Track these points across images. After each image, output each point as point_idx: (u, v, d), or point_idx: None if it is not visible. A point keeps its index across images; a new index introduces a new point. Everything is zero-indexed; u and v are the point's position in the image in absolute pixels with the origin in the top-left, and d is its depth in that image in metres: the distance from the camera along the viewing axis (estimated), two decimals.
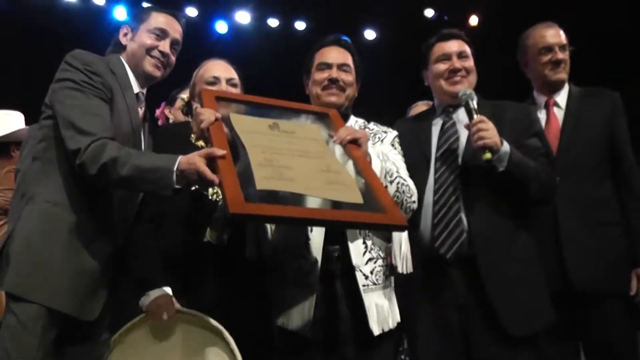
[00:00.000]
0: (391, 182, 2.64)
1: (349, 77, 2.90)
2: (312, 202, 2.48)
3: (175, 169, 2.28)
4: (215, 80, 2.89)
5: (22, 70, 6.32)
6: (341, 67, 2.88)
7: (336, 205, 2.42)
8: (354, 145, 2.56)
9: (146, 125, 2.82)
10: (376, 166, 2.59)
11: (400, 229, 2.48)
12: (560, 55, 3.33)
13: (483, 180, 2.79)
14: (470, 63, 3.03)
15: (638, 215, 3.14)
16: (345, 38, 2.99)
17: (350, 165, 2.57)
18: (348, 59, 2.93)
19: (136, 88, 2.74)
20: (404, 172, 2.81)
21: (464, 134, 2.91)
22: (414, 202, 2.74)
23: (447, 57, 3.02)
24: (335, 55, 2.92)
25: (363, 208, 2.34)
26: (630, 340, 3.14)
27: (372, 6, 8.19)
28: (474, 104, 2.81)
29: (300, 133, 2.56)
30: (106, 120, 2.48)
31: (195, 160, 2.26)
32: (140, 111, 2.76)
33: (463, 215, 2.80)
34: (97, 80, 2.54)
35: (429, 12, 8.55)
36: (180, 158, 2.29)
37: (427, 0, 8.46)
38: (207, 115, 2.42)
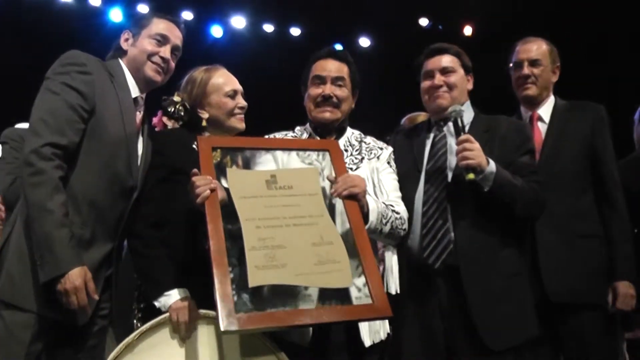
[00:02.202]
0: (385, 223, 2.68)
1: (343, 92, 2.88)
2: (303, 296, 2.56)
3: (65, 272, 2.32)
4: (235, 94, 2.89)
5: (17, 71, 6.31)
6: (335, 81, 2.87)
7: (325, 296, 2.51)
8: (352, 201, 2.57)
9: (145, 128, 2.84)
10: (373, 212, 2.61)
11: (386, 318, 2.56)
12: (527, 70, 3.33)
13: (470, 194, 2.80)
14: (454, 78, 3.01)
15: (620, 232, 3.15)
16: (341, 49, 2.98)
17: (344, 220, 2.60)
18: (343, 71, 2.91)
19: (135, 92, 2.76)
20: (394, 195, 2.86)
21: (453, 148, 2.92)
22: (405, 229, 2.80)
23: (430, 74, 3.05)
24: (330, 67, 2.90)
25: (352, 297, 2.51)
26: (610, 350, 3.17)
27: (367, 14, 8.21)
28: (461, 121, 2.82)
29: (297, 187, 2.57)
30: (61, 123, 2.46)
31: (78, 279, 2.32)
32: (139, 115, 2.77)
33: (451, 226, 2.83)
34: (80, 80, 2.54)
35: (424, 21, 8.61)
36: (75, 269, 2.33)
37: (422, 9, 8.51)
38: (202, 188, 2.37)
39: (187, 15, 7.91)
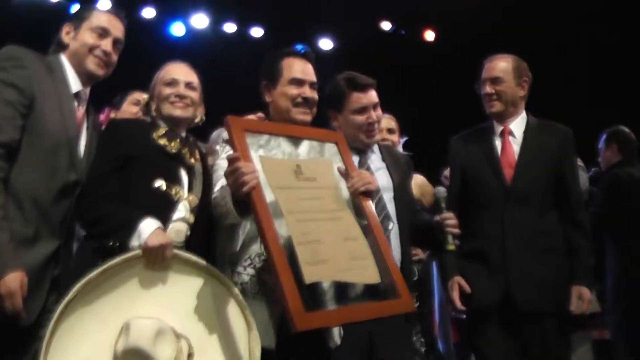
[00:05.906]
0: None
1: (316, 95, 2.89)
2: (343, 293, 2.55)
3: (0, 277, 2.31)
4: (173, 82, 2.83)
5: None
6: (312, 85, 2.86)
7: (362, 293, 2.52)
8: (367, 198, 2.60)
9: (90, 121, 2.81)
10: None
11: (411, 312, 2.60)
12: (489, 89, 3.43)
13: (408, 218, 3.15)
14: (380, 112, 3.20)
15: (584, 246, 3.32)
16: (309, 50, 2.98)
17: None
18: (315, 75, 2.91)
19: (76, 87, 2.73)
20: None
21: (378, 177, 3.08)
22: None
23: (365, 109, 3.13)
24: (306, 70, 2.88)
25: (381, 293, 2.49)
26: (566, 351, 3.45)
27: (329, 16, 8.23)
28: (444, 201, 3.33)
29: (320, 179, 2.52)
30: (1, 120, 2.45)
31: (13, 284, 2.32)
32: (81, 109, 2.75)
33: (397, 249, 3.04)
34: (17, 75, 2.52)
35: (386, 25, 8.68)
36: (11, 274, 2.32)
37: (385, 13, 8.56)
38: (249, 176, 2.23)
39: (149, 12, 7.84)
